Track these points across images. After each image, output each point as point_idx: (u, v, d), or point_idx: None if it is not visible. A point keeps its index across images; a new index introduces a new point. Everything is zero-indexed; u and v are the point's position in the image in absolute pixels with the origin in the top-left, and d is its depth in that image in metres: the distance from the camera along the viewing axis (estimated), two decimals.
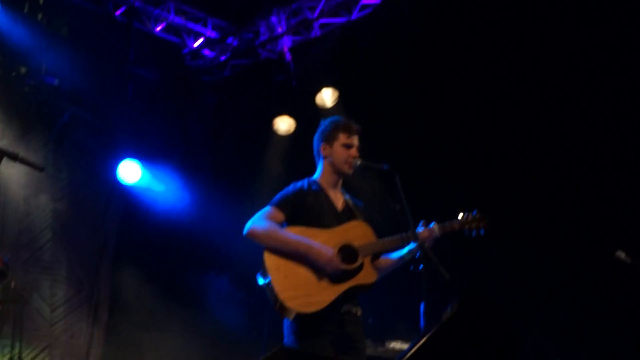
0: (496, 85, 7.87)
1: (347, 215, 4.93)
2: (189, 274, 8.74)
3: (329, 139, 5.00)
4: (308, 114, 8.42)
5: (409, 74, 8.29)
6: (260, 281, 4.57)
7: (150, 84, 8.88)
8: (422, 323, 4.33)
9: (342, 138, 4.97)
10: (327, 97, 8.60)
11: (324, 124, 5.11)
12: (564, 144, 7.55)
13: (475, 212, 4.94)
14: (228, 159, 9.30)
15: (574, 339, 7.38)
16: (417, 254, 4.58)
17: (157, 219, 8.75)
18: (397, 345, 5.88)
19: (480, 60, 7.85)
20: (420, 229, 4.78)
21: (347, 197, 5.05)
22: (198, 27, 9.09)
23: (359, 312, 4.74)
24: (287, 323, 4.63)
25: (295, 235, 4.66)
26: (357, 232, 4.80)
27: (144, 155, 8.77)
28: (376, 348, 5.81)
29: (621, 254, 5.20)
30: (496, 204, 5.82)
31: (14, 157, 4.72)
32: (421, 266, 4.49)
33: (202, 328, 8.53)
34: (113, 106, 8.73)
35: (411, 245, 4.79)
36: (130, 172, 8.66)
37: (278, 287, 4.49)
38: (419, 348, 3.44)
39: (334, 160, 4.95)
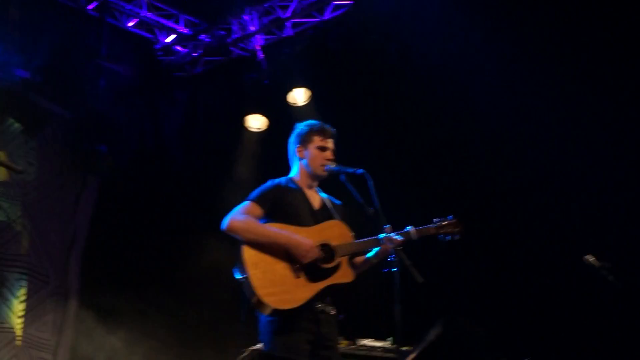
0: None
1: (324, 214, 5.01)
2: (161, 267, 8.75)
3: (303, 141, 5.10)
4: (280, 113, 8.52)
5: (380, 75, 8.40)
6: (237, 276, 4.65)
7: (122, 78, 8.87)
8: (396, 324, 4.47)
9: (316, 140, 5.07)
10: (299, 96, 8.67)
11: (299, 126, 5.21)
12: (537, 150, 7.62)
13: (450, 217, 5.07)
14: (198, 155, 9.33)
15: (545, 343, 7.48)
16: (392, 257, 4.67)
17: (130, 213, 8.77)
18: (368, 342, 5.96)
19: (455, 62, 7.93)
20: (391, 234, 4.84)
21: (325, 196, 5.14)
22: (170, 24, 9.11)
23: (333, 312, 4.85)
24: (263, 320, 4.71)
25: (274, 227, 4.73)
26: (335, 232, 4.89)
27: (115, 151, 8.77)
28: (348, 345, 5.88)
29: (590, 258, 5.27)
30: (467, 210, 5.88)
31: None
32: (395, 269, 4.59)
33: (178, 323, 8.57)
34: (84, 100, 8.72)
35: (377, 248, 4.90)
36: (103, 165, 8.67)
37: (256, 283, 4.57)
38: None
39: (308, 162, 5.05)
